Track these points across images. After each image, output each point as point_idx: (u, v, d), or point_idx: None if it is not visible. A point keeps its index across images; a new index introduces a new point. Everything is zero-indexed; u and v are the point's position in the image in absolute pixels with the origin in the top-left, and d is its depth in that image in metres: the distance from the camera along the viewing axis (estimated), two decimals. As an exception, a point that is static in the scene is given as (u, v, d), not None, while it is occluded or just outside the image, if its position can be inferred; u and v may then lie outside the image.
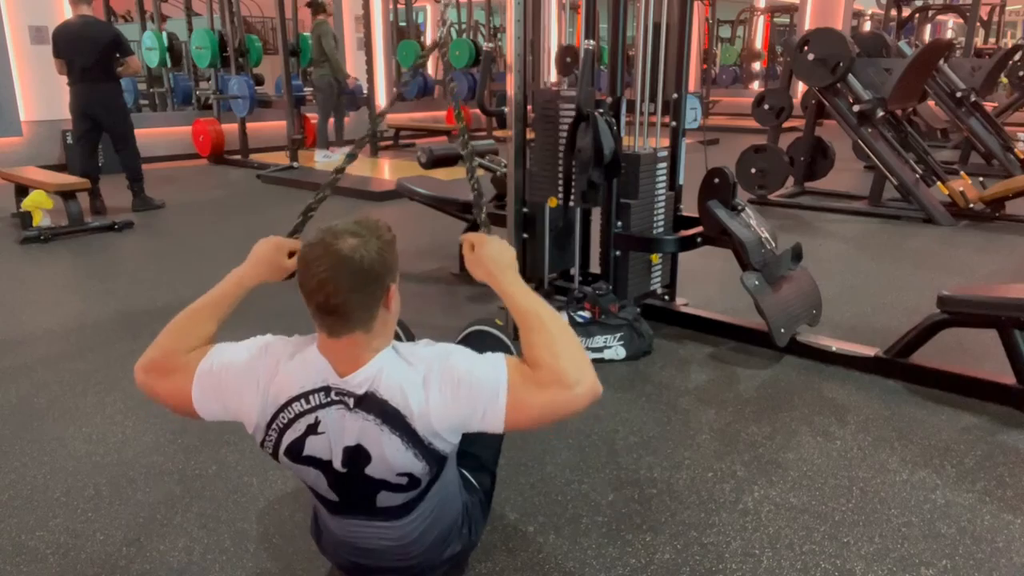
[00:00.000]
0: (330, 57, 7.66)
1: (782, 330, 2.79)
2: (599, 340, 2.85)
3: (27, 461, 2.17)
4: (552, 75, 3.36)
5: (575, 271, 3.20)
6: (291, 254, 1.54)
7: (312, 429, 1.33)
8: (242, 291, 1.51)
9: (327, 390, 1.31)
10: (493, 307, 3.25)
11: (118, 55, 5.54)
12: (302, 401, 1.32)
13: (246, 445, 2.24)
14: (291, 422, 1.34)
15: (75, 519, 1.89)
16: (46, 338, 3.16)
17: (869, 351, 2.76)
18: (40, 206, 4.89)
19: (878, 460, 2.17)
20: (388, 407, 1.30)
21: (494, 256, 1.48)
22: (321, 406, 1.32)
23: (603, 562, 1.72)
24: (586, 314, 2.88)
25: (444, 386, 1.30)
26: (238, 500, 1.97)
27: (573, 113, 2.87)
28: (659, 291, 3.36)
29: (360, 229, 1.27)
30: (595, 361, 2.79)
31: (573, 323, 2.85)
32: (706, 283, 3.80)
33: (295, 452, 1.36)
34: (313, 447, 1.35)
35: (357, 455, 1.34)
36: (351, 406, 1.31)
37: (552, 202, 3.12)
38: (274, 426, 1.35)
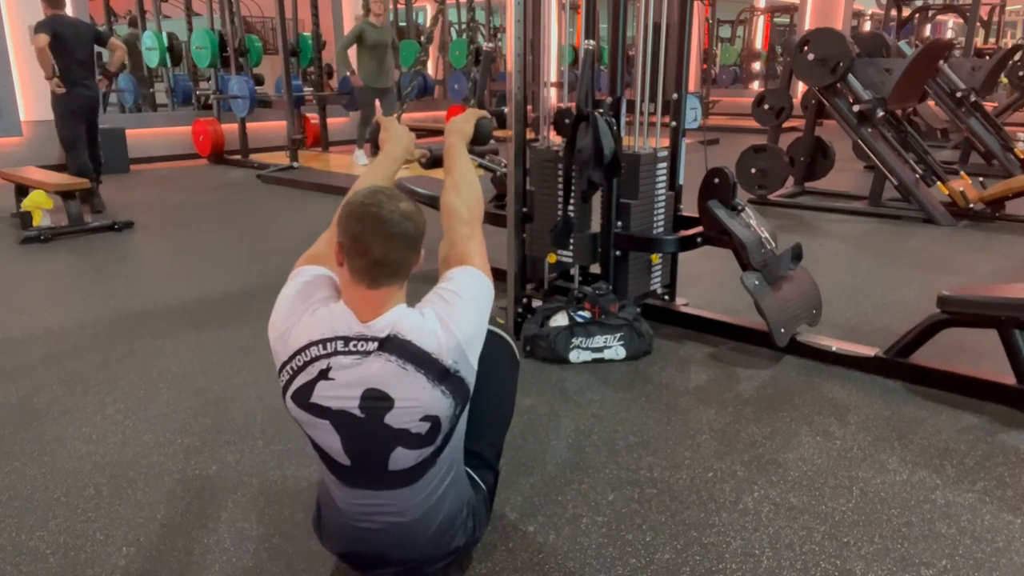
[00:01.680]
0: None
1: (782, 330, 2.80)
2: (599, 340, 2.85)
3: (27, 461, 2.17)
4: (551, 75, 3.35)
5: (575, 271, 3.20)
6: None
7: (324, 374, 1.39)
8: (398, 164, 1.89)
9: (347, 339, 1.38)
10: (494, 307, 3.24)
11: (97, 45, 5.50)
12: (320, 346, 1.39)
13: (246, 445, 2.24)
14: (306, 364, 1.40)
15: (75, 519, 1.89)
16: (46, 338, 3.16)
17: (869, 351, 2.76)
18: (40, 206, 4.88)
19: (878, 460, 2.17)
20: (412, 347, 1.39)
21: (451, 126, 1.95)
22: (337, 353, 1.38)
23: (603, 562, 1.72)
24: (586, 314, 2.88)
25: (454, 305, 1.46)
26: (238, 500, 1.97)
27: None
28: (659, 291, 3.36)
29: (400, 193, 1.43)
30: (595, 361, 2.84)
31: (573, 323, 2.86)
32: (706, 283, 3.80)
33: (303, 397, 1.41)
34: (322, 394, 1.39)
35: (377, 398, 1.38)
36: (373, 350, 1.38)
37: (551, 258, 3.13)
38: (289, 367, 1.41)
